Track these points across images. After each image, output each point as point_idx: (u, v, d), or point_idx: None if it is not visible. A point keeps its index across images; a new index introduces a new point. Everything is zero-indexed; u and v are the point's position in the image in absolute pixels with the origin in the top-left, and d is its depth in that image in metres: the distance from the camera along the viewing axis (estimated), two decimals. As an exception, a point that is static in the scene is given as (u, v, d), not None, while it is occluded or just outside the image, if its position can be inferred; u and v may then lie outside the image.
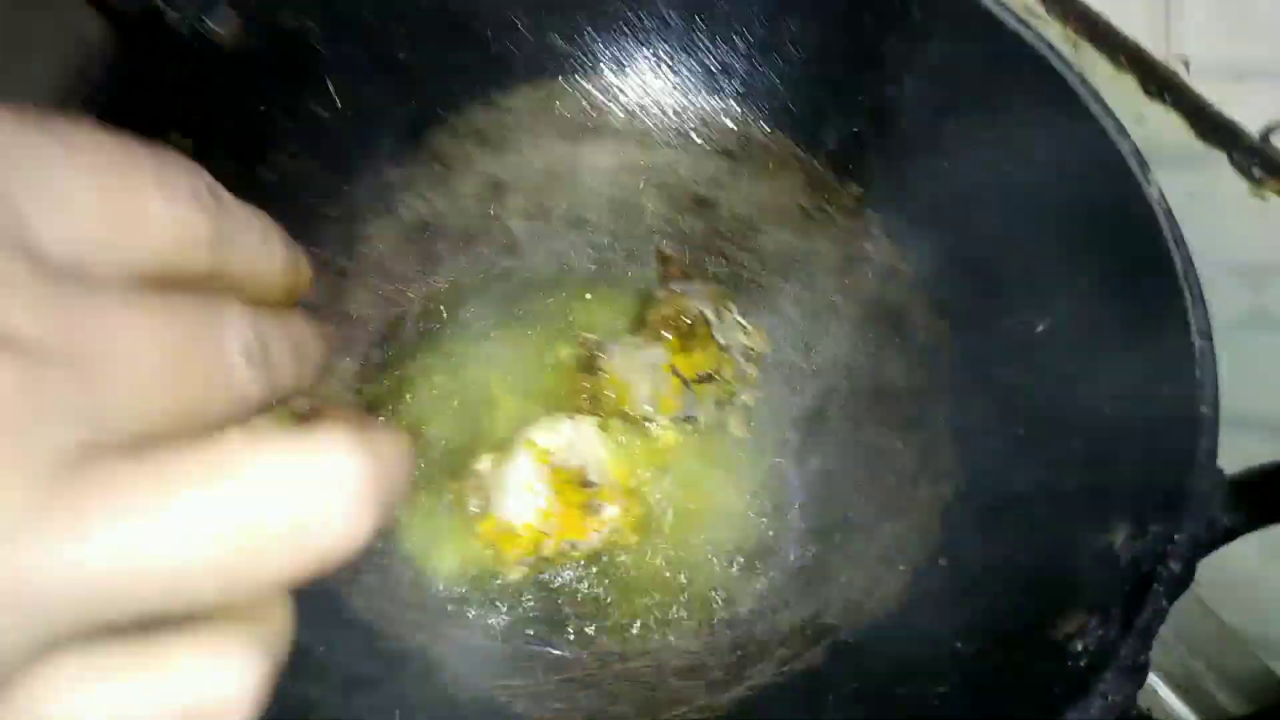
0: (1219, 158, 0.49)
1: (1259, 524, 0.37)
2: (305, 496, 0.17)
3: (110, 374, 0.16)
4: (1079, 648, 0.36)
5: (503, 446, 0.48)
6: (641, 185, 0.57)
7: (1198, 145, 0.50)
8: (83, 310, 0.16)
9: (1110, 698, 0.33)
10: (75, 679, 0.16)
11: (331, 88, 0.50)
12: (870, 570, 0.47)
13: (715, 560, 0.48)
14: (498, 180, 0.57)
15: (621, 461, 0.48)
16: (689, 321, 0.51)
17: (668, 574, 0.48)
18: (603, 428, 0.49)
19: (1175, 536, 0.36)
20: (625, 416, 0.50)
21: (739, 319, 0.52)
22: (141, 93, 0.43)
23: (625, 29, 0.57)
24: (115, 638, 0.16)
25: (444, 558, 0.47)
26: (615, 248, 0.56)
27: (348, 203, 0.53)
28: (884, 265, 0.55)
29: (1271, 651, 0.55)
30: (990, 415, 0.48)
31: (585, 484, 0.47)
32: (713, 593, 0.47)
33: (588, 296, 0.54)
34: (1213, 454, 0.38)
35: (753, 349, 0.52)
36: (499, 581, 0.47)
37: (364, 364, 0.52)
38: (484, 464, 0.48)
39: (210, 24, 0.45)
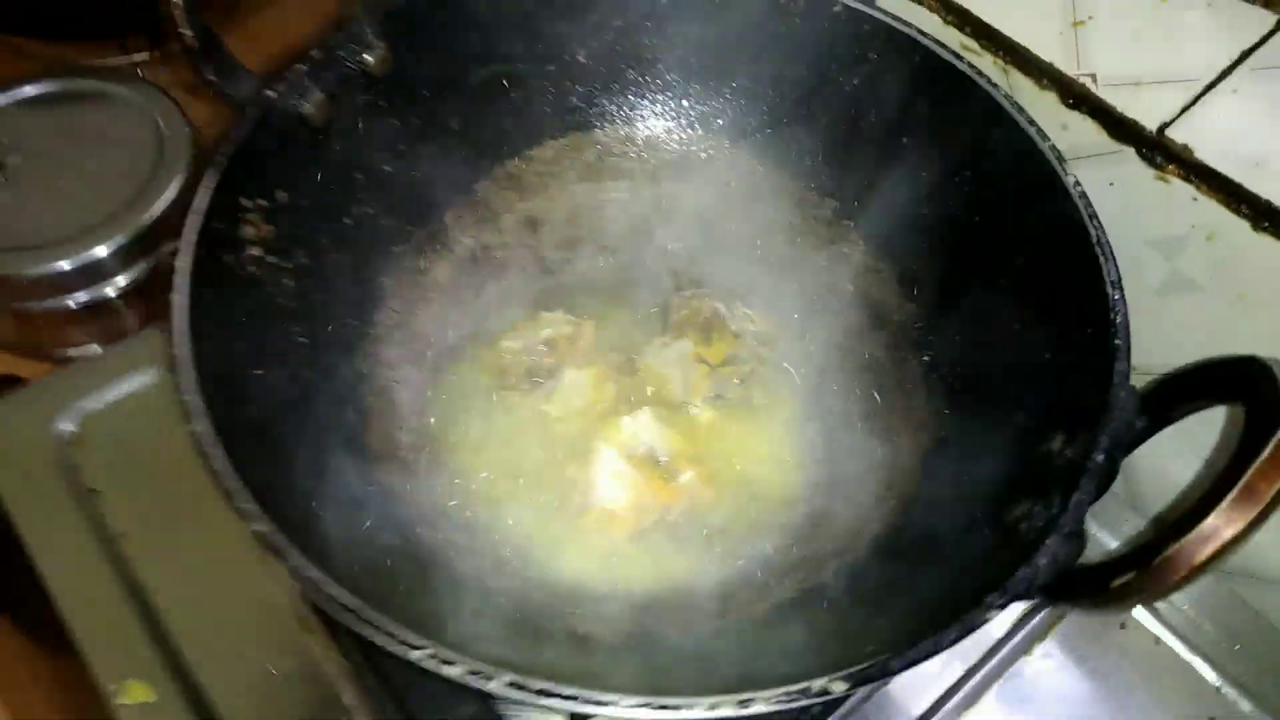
0: (1129, 151, 0.60)
1: (1163, 424, 0.47)
2: None
3: None
4: (1026, 526, 0.45)
5: (579, 450, 0.59)
6: (653, 213, 0.68)
7: (1110, 143, 0.60)
8: None
9: (1055, 556, 0.42)
10: None
11: (401, 149, 0.61)
12: (865, 506, 0.56)
13: (747, 509, 0.58)
14: (533, 217, 0.68)
15: (678, 438, 0.59)
16: (705, 317, 0.62)
17: (707, 524, 0.57)
18: (656, 417, 0.59)
19: (1099, 438, 0.46)
20: (667, 403, 0.60)
21: (746, 310, 0.63)
22: (255, 160, 0.54)
23: (633, 89, 0.69)
24: None
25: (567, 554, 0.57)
26: (634, 266, 0.67)
27: (412, 242, 0.64)
28: (861, 263, 0.65)
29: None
30: (955, 373, 0.58)
31: (657, 462, 0.57)
32: (746, 535, 0.57)
33: (616, 308, 0.65)
34: (1126, 375, 0.48)
35: (761, 333, 0.62)
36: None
37: (433, 372, 0.62)
38: (571, 469, 0.58)
39: (306, 105, 0.56)
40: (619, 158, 0.69)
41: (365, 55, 0.59)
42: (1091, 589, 0.41)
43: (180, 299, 0.48)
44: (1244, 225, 0.56)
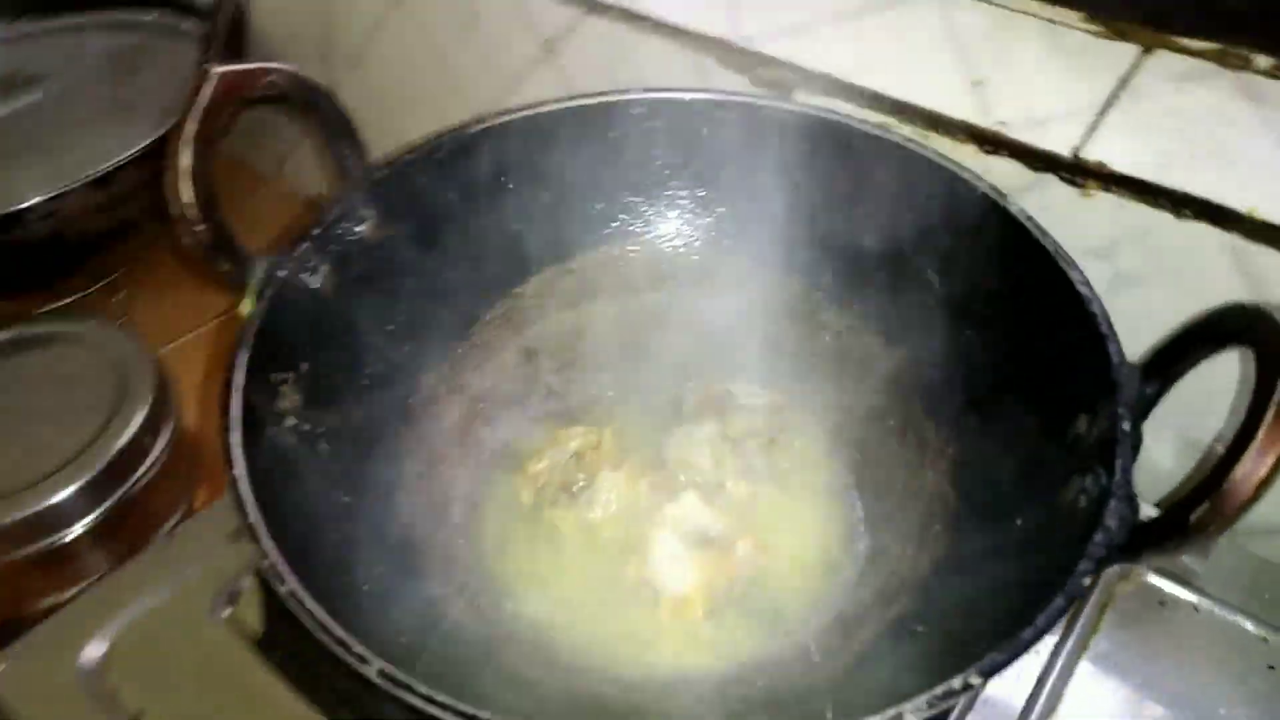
0: (1050, 178, 0.67)
1: (1171, 382, 0.52)
2: None
3: None
4: (1083, 502, 0.48)
5: (634, 547, 0.60)
6: (640, 321, 0.72)
7: (1033, 175, 0.68)
8: None
9: (1121, 517, 0.46)
10: None
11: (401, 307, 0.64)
12: (915, 538, 0.59)
13: (806, 564, 0.60)
14: (530, 348, 0.71)
15: (722, 514, 0.61)
16: (716, 400, 0.65)
17: (773, 586, 0.59)
18: (697, 499, 0.61)
19: (1118, 410, 0.50)
20: (702, 485, 0.63)
21: (752, 387, 0.66)
22: (276, 336, 0.57)
23: (598, 222, 0.74)
24: None
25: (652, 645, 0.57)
26: (636, 370, 0.70)
27: (424, 391, 0.66)
28: (840, 324, 0.70)
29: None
30: (960, 397, 0.62)
31: (711, 540, 0.59)
32: (812, 588, 0.59)
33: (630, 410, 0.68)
34: (1122, 354, 0.53)
35: (771, 405, 0.66)
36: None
37: (471, 508, 0.63)
38: (631, 566, 0.60)
39: (314, 280, 0.60)
40: (599, 280, 0.73)
41: (358, 226, 0.62)
42: (1173, 529, 0.44)
43: (240, 470, 0.49)
44: (1167, 217, 0.63)
